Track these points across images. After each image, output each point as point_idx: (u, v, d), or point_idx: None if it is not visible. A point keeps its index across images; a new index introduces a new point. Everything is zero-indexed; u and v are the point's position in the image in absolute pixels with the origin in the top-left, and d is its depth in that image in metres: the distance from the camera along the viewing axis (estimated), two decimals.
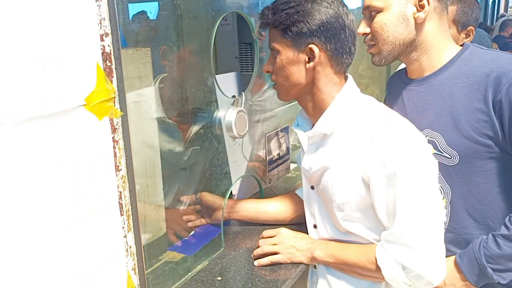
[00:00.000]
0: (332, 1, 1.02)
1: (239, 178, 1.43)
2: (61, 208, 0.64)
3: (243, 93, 1.36)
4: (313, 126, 1.13)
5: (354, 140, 1.04)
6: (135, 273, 0.80)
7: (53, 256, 0.64)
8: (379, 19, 1.16)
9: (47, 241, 0.63)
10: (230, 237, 1.37)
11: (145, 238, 1.28)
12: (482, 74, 1.09)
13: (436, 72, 1.19)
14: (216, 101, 1.33)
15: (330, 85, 1.08)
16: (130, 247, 0.78)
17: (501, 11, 9.44)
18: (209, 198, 1.40)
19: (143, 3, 1.37)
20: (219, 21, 1.24)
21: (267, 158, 1.56)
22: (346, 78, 1.12)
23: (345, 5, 1.06)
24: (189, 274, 1.16)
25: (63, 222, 0.65)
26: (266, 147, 1.54)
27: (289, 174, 1.87)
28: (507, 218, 1.11)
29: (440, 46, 1.18)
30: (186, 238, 1.36)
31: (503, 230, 1.11)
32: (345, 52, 1.05)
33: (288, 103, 1.77)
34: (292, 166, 1.94)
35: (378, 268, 1.01)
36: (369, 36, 1.20)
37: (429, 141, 1.18)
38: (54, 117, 0.63)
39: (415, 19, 1.15)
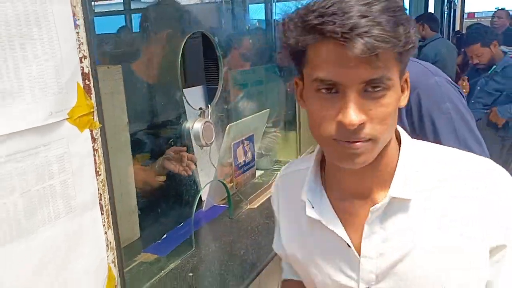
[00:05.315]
0: None
1: (207, 184, 1.55)
2: (52, 207, 0.75)
3: (209, 105, 1.48)
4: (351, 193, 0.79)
5: (452, 197, 0.74)
6: (115, 266, 0.90)
7: (46, 248, 0.74)
8: None
9: (43, 236, 0.73)
10: (200, 238, 1.48)
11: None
12: None
13: None
14: (185, 113, 1.45)
15: None
16: (110, 242, 0.88)
17: (457, 25, 9.74)
18: None
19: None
20: (185, 39, 1.36)
21: (234, 164, 1.68)
22: None
23: None
24: (162, 271, 1.27)
25: (54, 220, 0.75)
26: (233, 155, 1.66)
27: (256, 180, 1.99)
28: None
29: None
30: (159, 241, 1.46)
31: None
32: None
33: (253, 112, 1.90)
34: (258, 172, 2.07)
35: None
36: None
37: None
38: (41, 130, 0.73)
39: None
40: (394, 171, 0.75)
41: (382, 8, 0.63)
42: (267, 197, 1.76)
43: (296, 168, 0.91)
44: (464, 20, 10.57)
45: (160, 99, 1.44)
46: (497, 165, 0.77)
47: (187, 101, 1.42)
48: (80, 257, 0.82)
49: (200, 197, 1.61)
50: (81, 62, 0.81)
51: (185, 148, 1.53)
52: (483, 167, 0.77)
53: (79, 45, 0.80)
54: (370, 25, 0.61)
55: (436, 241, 0.73)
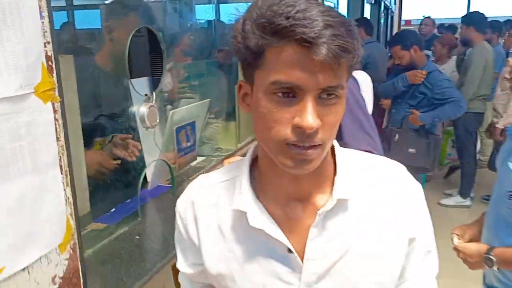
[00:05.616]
0: None
1: (152, 162, 1.73)
2: (22, 163, 0.92)
3: (153, 92, 1.67)
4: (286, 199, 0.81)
5: (371, 203, 0.80)
6: (72, 218, 1.08)
7: (17, 197, 0.91)
8: None
9: (15, 186, 0.90)
10: (146, 211, 1.66)
11: None
12: None
13: None
14: (131, 98, 1.63)
15: None
16: (68, 198, 1.06)
17: (395, 31, 10.33)
18: None
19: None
20: (131, 34, 1.55)
21: (177, 146, 1.87)
22: None
23: None
24: (112, 235, 1.44)
25: (23, 174, 0.92)
26: (176, 138, 1.86)
27: (198, 164, 2.19)
28: None
29: None
30: (108, 213, 1.63)
31: None
32: None
33: (196, 101, 2.11)
34: (200, 158, 2.28)
35: None
36: None
37: None
38: (14, 99, 0.90)
39: None
40: (332, 175, 0.80)
41: (341, 21, 0.67)
42: None
43: (216, 181, 0.88)
44: (402, 27, 11.31)
45: (111, 88, 1.61)
46: (402, 165, 0.86)
47: (134, 89, 1.60)
48: (44, 207, 0.99)
49: (146, 178, 1.79)
50: (45, 46, 0.98)
51: (130, 136, 1.71)
52: (395, 171, 0.84)
53: (44, 32, 0.98)
54: (334, 34, 0.64)
55: (358, 247, 0.78)
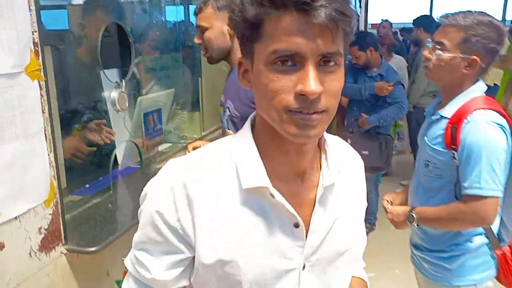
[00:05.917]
0: None
1: (122, 142, 1.94)
2: (15, 129, 1.12)
3: (123, 80, 1.88)
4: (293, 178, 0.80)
5: (348, 171, 0.87)
6: (55, 179, 1.28)
7: (11, 156, 1.12)
8: (206, 34, 1.74)
9: (9, 147, 1.11)
10: (117, 186, 1.86)
11: None
12: None
13: None
14: (102, 85, 1.83)
15: None
16: (52, 162, 1.27)
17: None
18: None
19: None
20: (102, 30, 1.75)
21: (144, 130, 2.09)
22: None
23: None
24: (87, 204, 1.65)
25: (15, 138, 1.13)
26: (144, 122, 2.07)
27: (164, 150, 2.41)
28: None
29: None
30: (83, 188, 1.83)
31: None
32: None
33: (161, 90, 2.32)
34: (167, 144, 2.49)
35: None
36: (202, 45, 1.78)
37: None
38: (8, 76, 1.11)
39: (229, 33, 1.76)
40: (317, 151, 0.82)
41: None
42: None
43: (197, 157, 0.81)
44: (368, 30, 11.73)
45: (87, 77, 1.82)
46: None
47: (106, 76, 1.80)
48: (32, 167, 1.20)
49: (117, 159, 1.99)
50: (33, 34, 1.19)
51: (105, 121, 1.91)
52: (353, 151, 0.92)
53: (32, 23, 1.19)
54: None
55: (340, 220, 0.83)
